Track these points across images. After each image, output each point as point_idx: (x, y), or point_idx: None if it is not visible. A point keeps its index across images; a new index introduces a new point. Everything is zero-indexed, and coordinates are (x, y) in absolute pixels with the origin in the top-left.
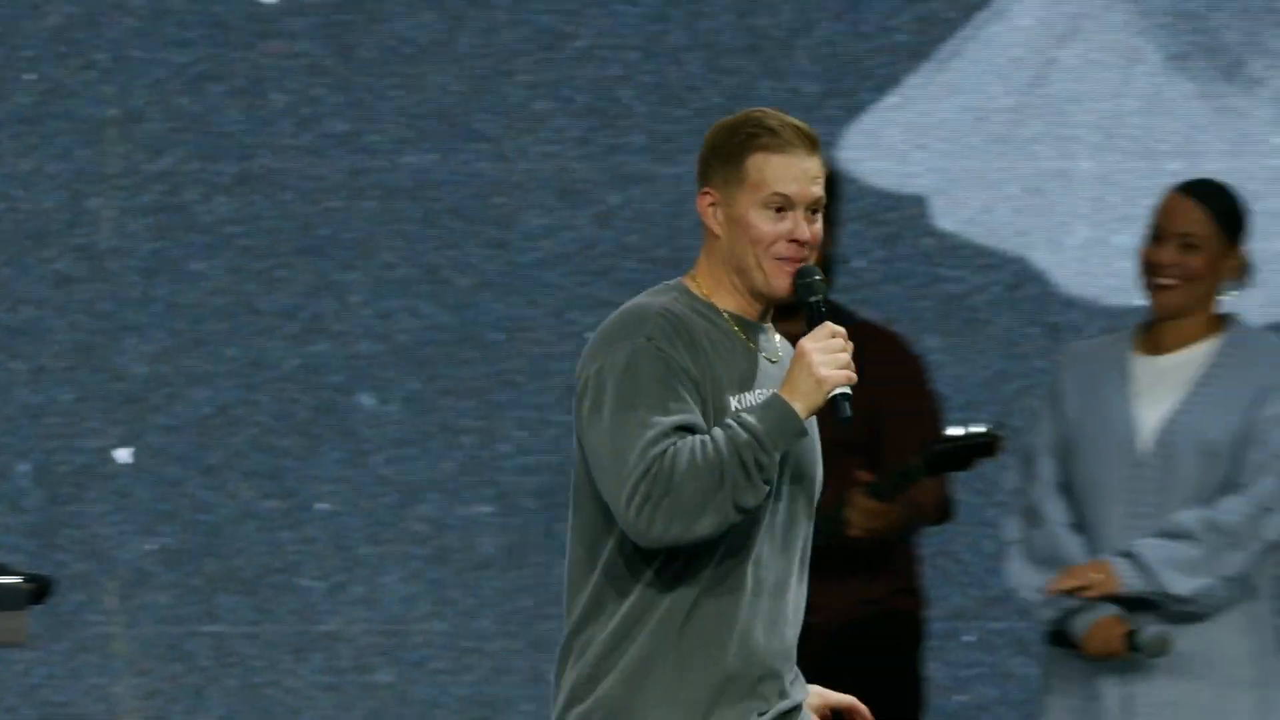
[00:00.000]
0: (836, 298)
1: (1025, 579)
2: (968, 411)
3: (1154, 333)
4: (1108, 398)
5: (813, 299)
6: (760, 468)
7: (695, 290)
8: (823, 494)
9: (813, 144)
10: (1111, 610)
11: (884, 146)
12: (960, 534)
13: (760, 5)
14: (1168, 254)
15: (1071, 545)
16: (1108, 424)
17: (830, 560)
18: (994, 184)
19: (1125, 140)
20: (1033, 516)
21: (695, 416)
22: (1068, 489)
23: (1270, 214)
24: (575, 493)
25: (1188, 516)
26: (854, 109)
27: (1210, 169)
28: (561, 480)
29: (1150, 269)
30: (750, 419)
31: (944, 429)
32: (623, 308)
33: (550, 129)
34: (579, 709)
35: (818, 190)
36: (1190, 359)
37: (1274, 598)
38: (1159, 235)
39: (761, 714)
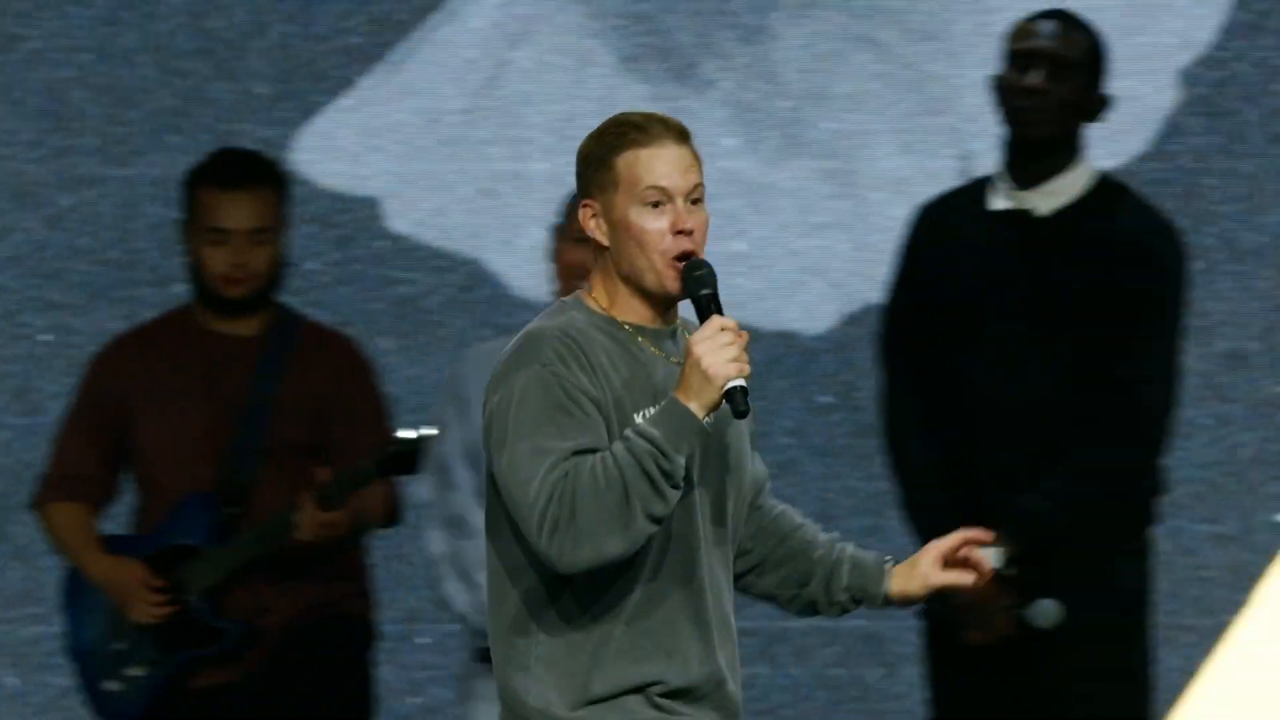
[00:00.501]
0: (290, 300)
1: (461, 595)
2: (421, 414)
3: None
4: None
5: (702, 292)
6: (665, 474)
7: (593, 305)
8: (272, 497)
9: (680, 134)
10: None
11: (337, 148)
12: (413, 537)
13: (213, 7)
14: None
15: None
16: None
17: (280, 563)
18: (447, 186)
19: (577, 142)
20: (459, 527)
21: (596, 438)
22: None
23: (724, 215)
24: (489, 520)
25: None
26: (307, 111)
27: None
28: (10, 484)
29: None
30: (648, 427)
31: (394, 431)
32: (521, 333)
33: (2, 131)
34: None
35: (694, 179)
36: None
37: None
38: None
39: None
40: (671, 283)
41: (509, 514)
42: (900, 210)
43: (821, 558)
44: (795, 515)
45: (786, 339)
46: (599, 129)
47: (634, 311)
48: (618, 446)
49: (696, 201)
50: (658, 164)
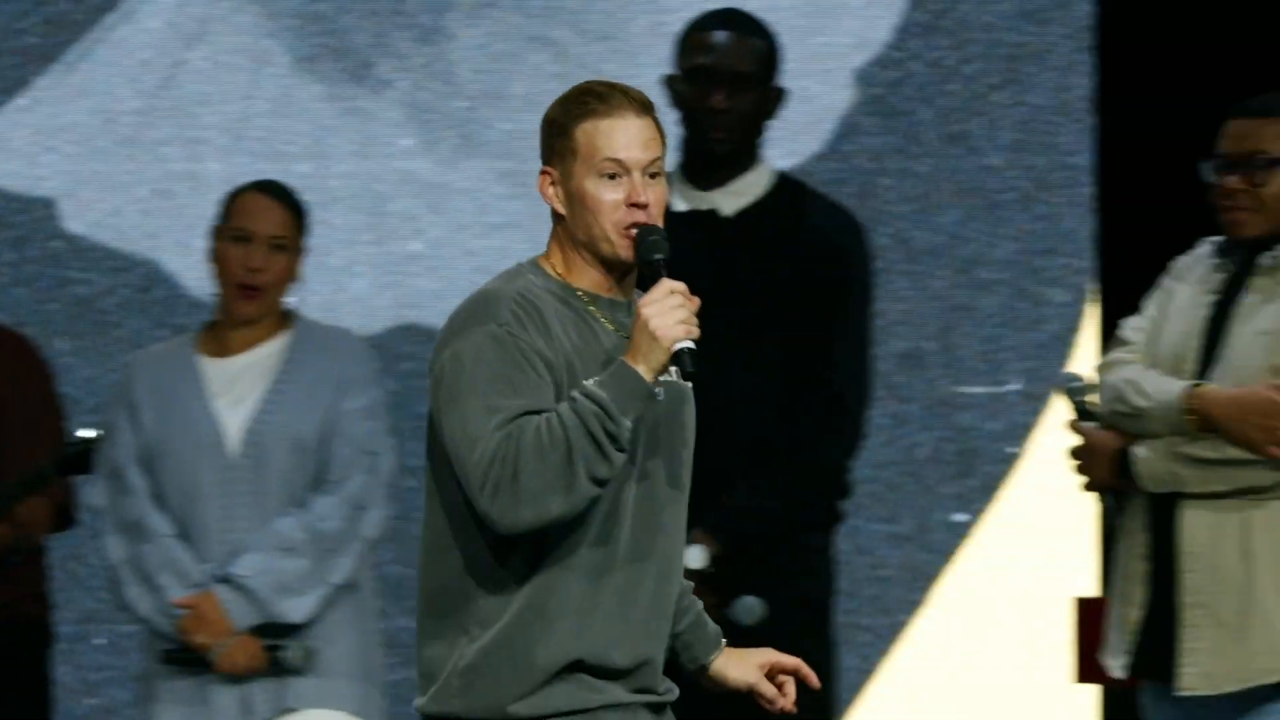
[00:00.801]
0: None
1: (144, 600)
2: (98, 414)
3: (219, 335)
4: (186, 403)
5: (655, 257)
6: (610, 436)
7: (549, 271)
8: None
9: (643, 106)
10: (251, 622)
11: (12, 149)
12: (89, 539)
13: None
14: (258, 258)
15: (184, 556)
16: (191, 429)
17: None
18: (123, 186)
19: (254, 142)
20: (137, 531)
21: (546, 400)
22: (161, 499)
23: (399, 216)
24: (431, 479)
25: (289, 525)
26: None
27: (339, 171)
28: None
29: (234, 275)
30: (595, 388)
31: (70, 432)
32: (475, 292)
33: None
34: (442, 685)
35: (653, 152)
36: (262, 357)
37: (375, 594)
38: (243, 238)
39: (610, 706)
40: (624, 250)
41: (454, 473)
42: None
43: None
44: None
45: None
46: (563, 96)
47: (589, 279)
48: (564, 407)
49: (655, 175)
50: (616, 136)
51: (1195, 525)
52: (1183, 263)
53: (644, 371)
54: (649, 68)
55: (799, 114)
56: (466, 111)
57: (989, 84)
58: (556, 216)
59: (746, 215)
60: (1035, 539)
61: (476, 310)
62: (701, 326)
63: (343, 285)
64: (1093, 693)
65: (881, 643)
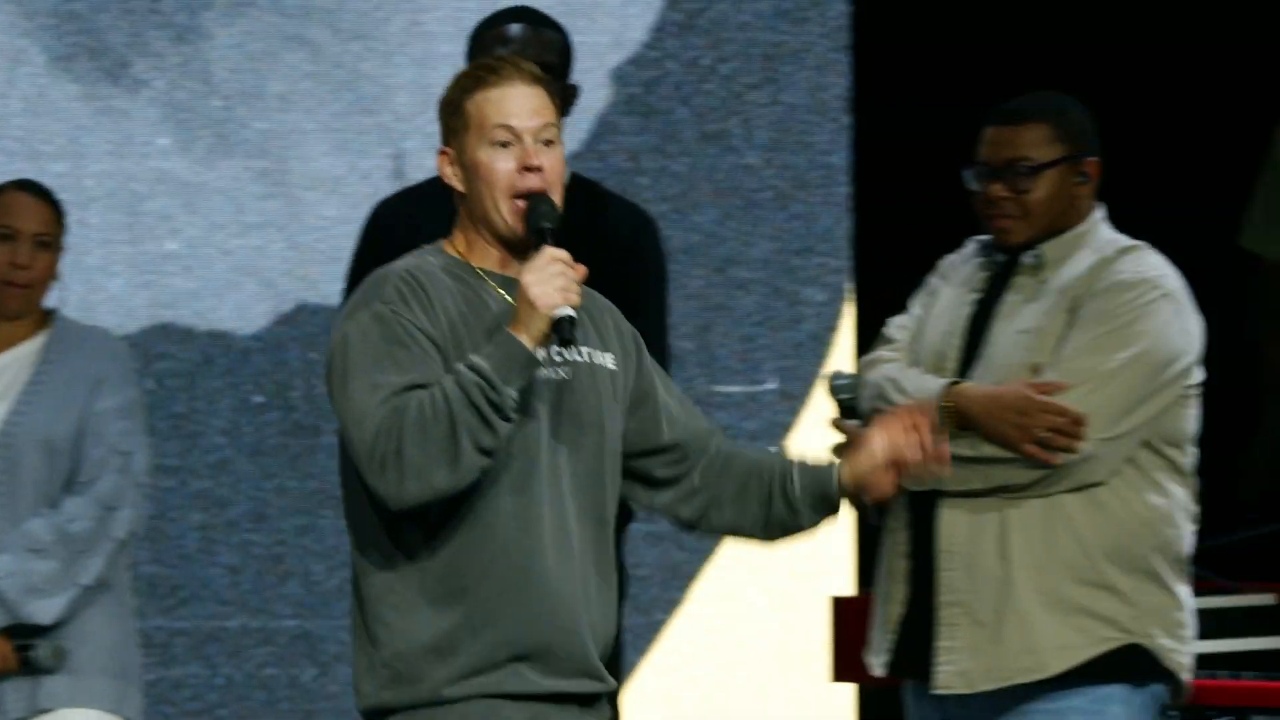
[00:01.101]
0: None
1: None
2: None
3: None
4: None
5: (543, 225)
6: (494, 407)
7: (450, 251)
8: None
9: (532, 77)
10: None
11: None
12: None
13: None
14: (23, 255)
15: None
16: None
17: None
18: None
19: (9, 141)
20: None
21: (431, 374)
22: None
23: (156, 215)
24: (341, 467)
25: (39, 526)
26: None
27: (94, 170)
28: None
29: None
30: (477, 359)
31: None
32: (370, 275)
33: None
34: (374, 679)
35: (544, 118)
36: (20, 356)
37: (131, 593)
38: (7, 235)
39: (529, 697)
40: (514, 218)
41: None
42: (333, 210)
43: (772, 474)
44: (746, 450)
45: (219, 339)
46: (456, 75)
47: (489, 259)
48: (447, 380)
49: (549, 143)
50: (506, 103)
51: (953, 523)
52: (949, 261)
53: (525, 340)
54: (405, 67)
55: None
56: (222, 111)
57: (745, 83)
58: (458, 196)
59: None
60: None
61: (363, 292)
62: None
63: (99, 285)
64: (850, 691)
65: (640, 641)
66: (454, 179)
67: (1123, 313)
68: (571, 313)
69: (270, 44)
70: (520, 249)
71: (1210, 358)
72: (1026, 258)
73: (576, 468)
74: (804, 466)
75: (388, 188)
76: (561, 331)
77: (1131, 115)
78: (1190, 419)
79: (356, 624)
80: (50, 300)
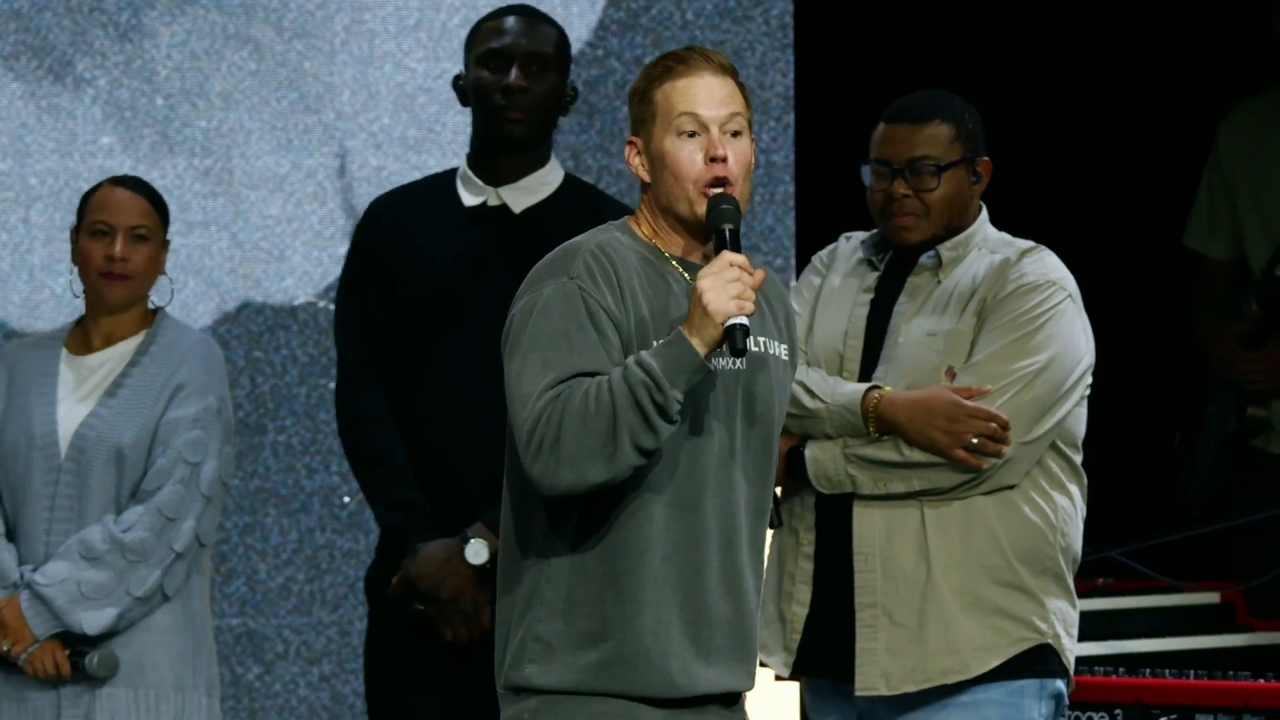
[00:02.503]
0: None
1: None
2: None
3: (86, 329)
4: (32, 399)
5: (723, 225)
6: (658, 407)
7: (638, 232)
8: None
9: (721, 66)
10: (47, 631)
11: None
12: None
13: None
14: (113, 247)
15: (5, 557)
16: (30, 427)
17: None
18: None
19: None
20: None
21: (604, 359)
22: None
23: None
24: (509, 443)
25: (95, 534)
26: None
27: (38, 169)
28: None
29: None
30: (648, 357)
31: None
32: (560, 245)
33: None
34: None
35: (732, 108)
36: (115, 355)
37: (205, 596)
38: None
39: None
40: (701, 208)
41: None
42: (277, 209)
43: None
44: None
45: None
46: (646, 65)
47: (676, 245)
48: (615, 373)
49: (736, 134)
50: (693, 93)
51: (869, 525)
52: (823, 256)
53: (697, 344)
54: (348, 65)
55: None
56: (165, 109)
57: None
58: (643, 185)
59: (535, 212)
60: None
61: (554, 262)
62: (486, 321)
63: (43, 283)
64: (794, 689)
65: None
66: (640, 169)
67: (1033, 317)
68: (745, 321)
69: (213, 43)
70: (706, 238)
71: (1152, 358)
72: (925, 258)
73: (746, 459)
74: None
75: (331, 186)
76: (733, 341)
77: (1074, 116)
78: (1083, 420)
79: (506, 599)
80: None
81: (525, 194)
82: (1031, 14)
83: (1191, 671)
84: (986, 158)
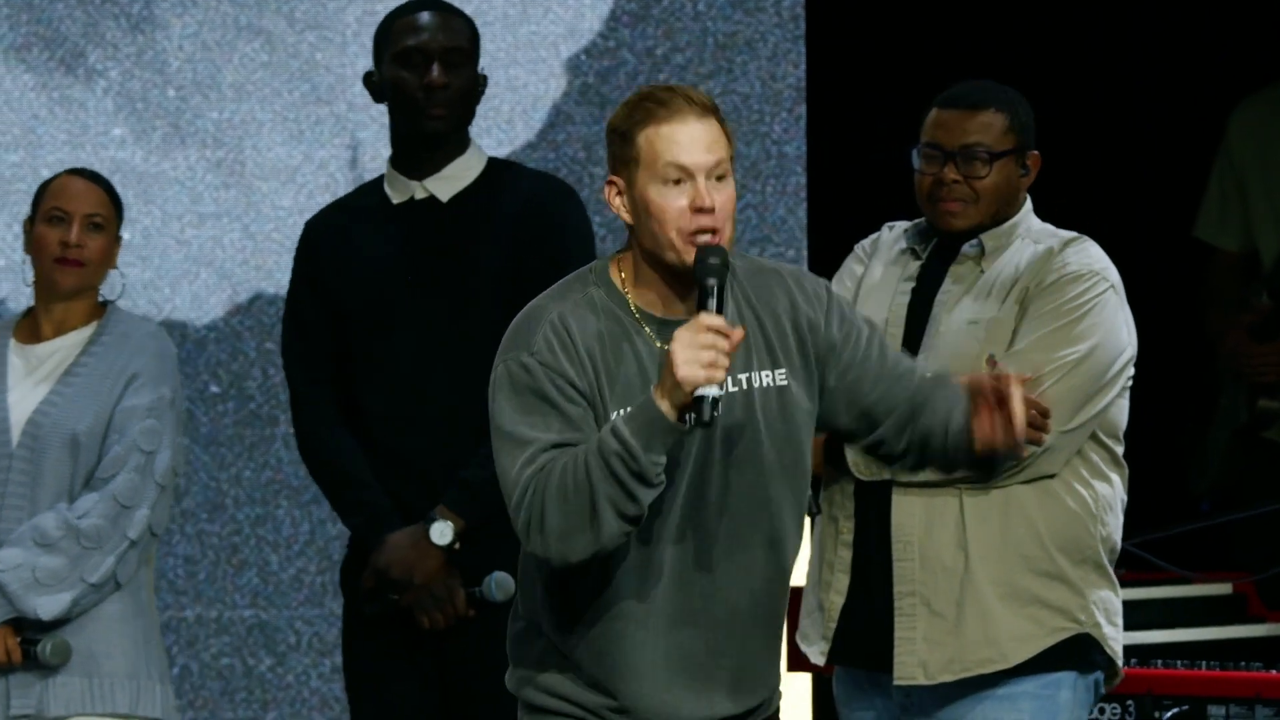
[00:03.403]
0: None
1: None
2: None
3: (36, 319)
4: None
5: (708, 280)
6: (635, 475)
7: (615, 280)
8: None
9: (704, 109)
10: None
11: None
12: None
13: None
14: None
15: None
16: None
17: None
18: None
19: None
20: None
21: (576, 430)
22: None
23: None
24: None
25: (49, 521)
26: None
27: (50, 160)
28: None
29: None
30: (621, 425)
31: None
32: (526, 308)
33: None
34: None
35: (717, 154)
36: (67, 344)
37: (150, 586)
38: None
39: None
40: (690, 256)
41: None
42: (289, 200)
43: (941, 439)
44: (930, 405)
45: (176, 328)
46: (625, 103)
47: (649, 296)
48: (590, 445)
49: (721, 179)
50: (678, 139)
51: (908, 514)
52: (866, 246)
53: (666, 408)
54: (361, 58)
55: (509, 103)
56: (177, 101)
57: (699, 73)
58: (627, 227)
59: (462, 198)
60: None
61: (516, 333)
62: (432, 313)
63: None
64: (805, 681)
65: None
66: (622, 210)
67: (1075, 306)
68: (715, 392)
69: (225, 34)
70: (688, 288)
71: (1164, 350)
72: (968, 247)
73: (731, 500)
74: (955, 436)
75: (343, 177)
76: (699, 414)
77: (1087, 108)
78: (1125, 410)
79: (513, 612)
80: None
81: (451, 182)
82: (1043, 7)
83: (1203, 662)
84: (1036, 152)
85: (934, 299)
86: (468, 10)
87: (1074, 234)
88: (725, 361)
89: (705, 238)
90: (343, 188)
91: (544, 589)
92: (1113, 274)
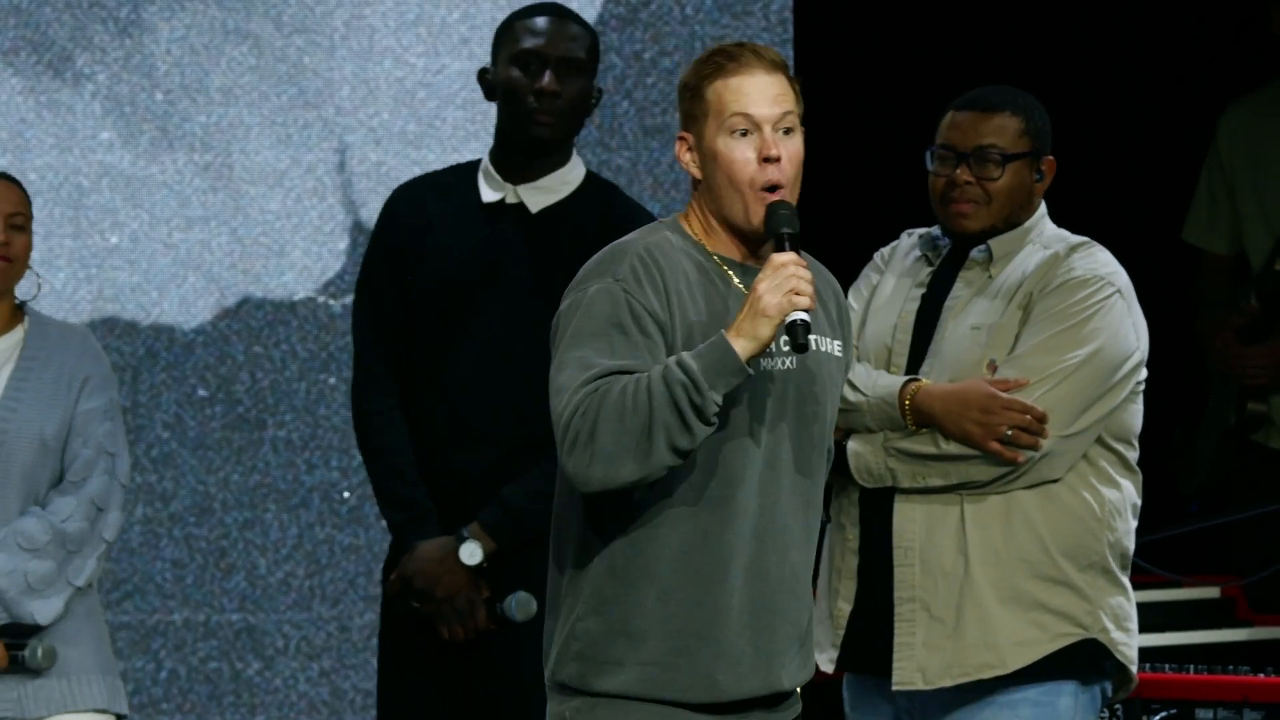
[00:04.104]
0: None
1: None
2: None
3: None
4: None
5: (783, 230)
6: (695, 409)
7: (688, 230)
8: None
9: (773, 63)
10: None
11: None
12: None
13: None
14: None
15: None
16: None
17: None
18: None
19: None
20: None
21: (644, 360)
22: None
23: (99, 209)
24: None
25: (34, 526)
26: None
27: (38, 164)
28: None
29: None
30: (688, 358)
31: None
32: (609, 246)
33: None
34: (564, 649)
35: (784, 106)
36: (1, 350)
37: (100, 590)
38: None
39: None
40: (756, 216)
41: None
42: (277, 204)
43: None
44: None
45: (164, 332)
46: (696, 60)
47: (725, 246)
48: (655, 372)
49: (789, 132)
50: (746, 91)
51: (909, 520)
52: (884, 254)
53: (740, 347)
54: (348, 61)
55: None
56: (165, 105)
57: None
58: (694, 182)
59: (552, 212)
60: None
61: (601, 262)
62: (492, 319)
63: (43, 278)
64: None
65: None
66: (691, 165)
67: (1078, 310)
68: (805, 317)
69: (213, 38)
70: (758, 243)
71: (1152, 353)
72: (976, 253)
73: (797, 458)
74: None
75: (331, 181)
76: (794, 336)
77: (1074, 111)
78: (1138, 415)
79: (554, 592)
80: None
81: (544, 194)
82: (1031, 10)
83: (1191, 666)
84: (1052, 156)
85: (943, 305)
86: (455, 15)
87: (1083, 239)
88: (809, 288)
89: (772, 194)
90: (330, 191)
91: (601, 549)
92: (1120, 279)
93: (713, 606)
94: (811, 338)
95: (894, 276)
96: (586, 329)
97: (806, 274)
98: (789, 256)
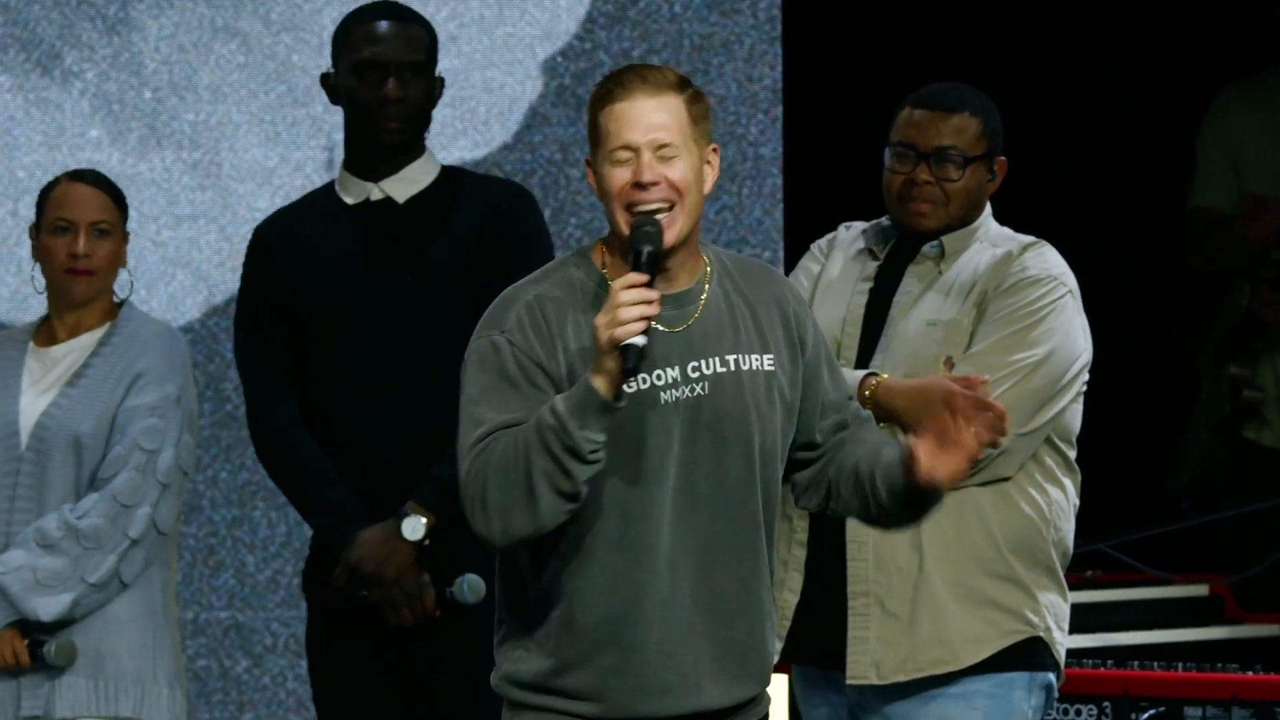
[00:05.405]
0: None
1: None
2: None
3: (52, 323)
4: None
5: (639, 248)
6: (569, 450)
7: (595, 260)
8: None
9: (658, 86)
10: (4, 620)
11: None
12: None
13: None
14: (75, 244)
15: None
16: None
17: None
18: None
19: None
20: None
21: (532, 411)
22: None
23: None
24: None
25: (50, 522)
26: None
27: (26, 161)
28: None
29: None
30: (559, 401)
31: None
32: (505, 290)
33: None
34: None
35: (661, 132)
36: (78, 347)
37: (166, 586)
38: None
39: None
40: (628, 232)
41: None
42: (265, 201)
43: (868, 474)
44: (857, 440)
45: None
46: (596, 85)
47: (621, 273)
48: (530, 423)
49: (671, 157)
50: (625, 118)
51: None
52: (822, 245)
53: (598, 382)
54: None
55: (485, 105)
56: (154, 102)
57: None
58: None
59: (419, 199)
60: None
61: (490, 313)
62: (391, 311)
63: (32, 276)
64: (782, 681)
65: None
66: (595, 189)
67: (1033, 310)
68: (638, 341)
69: (201, 36)
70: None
71: (1140, 349)
72: (928, 248)
73: (721, 480)
74: (887, 467)
75: (319, 178)
76: (625, 361)
77: (1064, 106)
78: (1079, 416)
79: (499, 599)
80: None
81: (407, 184)
82: (1020, 8)
83: (1180, 664)
84: (1004, 158)
85: (892, 300)
86: (444, 14)
87: (1033, 239)
88: (633, 313)
89: (642, 210)
90: None
91: (531, 582)
92: (1070, 279)
93: (628, 643)
94: (725, 358)
95: (837, 268)
96: (475, 384)
97: (634, 296)
98: (627, 278)
